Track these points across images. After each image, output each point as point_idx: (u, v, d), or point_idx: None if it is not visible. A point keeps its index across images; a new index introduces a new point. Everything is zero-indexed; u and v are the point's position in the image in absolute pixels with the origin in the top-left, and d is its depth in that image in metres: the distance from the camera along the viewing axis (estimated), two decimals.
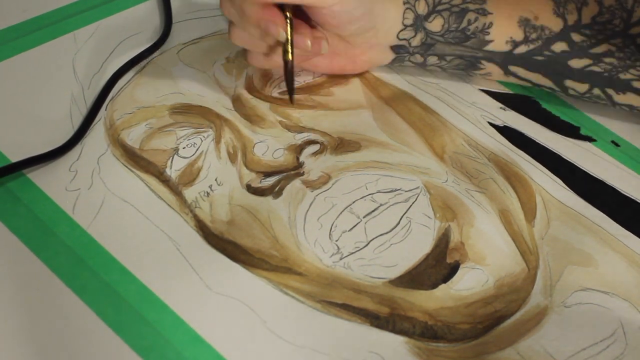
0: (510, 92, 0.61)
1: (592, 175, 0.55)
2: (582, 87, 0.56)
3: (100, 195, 0.50)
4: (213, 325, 0.44)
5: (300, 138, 0.55)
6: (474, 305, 0.47)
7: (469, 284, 0.48)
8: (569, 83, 0.56)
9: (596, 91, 0.56)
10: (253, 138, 0.54)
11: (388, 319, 0.46)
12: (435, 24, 0.55)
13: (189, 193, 0.51)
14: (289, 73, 0.53)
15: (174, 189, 0.51)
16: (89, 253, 0.47)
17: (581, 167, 0.56)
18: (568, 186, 0.54)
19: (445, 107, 0.58)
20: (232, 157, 0.53)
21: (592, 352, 0.45)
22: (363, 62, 0.58)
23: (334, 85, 0.59)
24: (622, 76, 0.54)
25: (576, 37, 0.54)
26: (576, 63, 0.55)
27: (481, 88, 0.61)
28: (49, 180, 0.50)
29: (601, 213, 0.53)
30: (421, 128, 0.57)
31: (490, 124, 0.58)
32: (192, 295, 0.46)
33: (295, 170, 0.53)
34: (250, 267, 0.47)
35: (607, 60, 0.54)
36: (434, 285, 0.48)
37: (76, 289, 0.45)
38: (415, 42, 0.56)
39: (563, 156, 0.56)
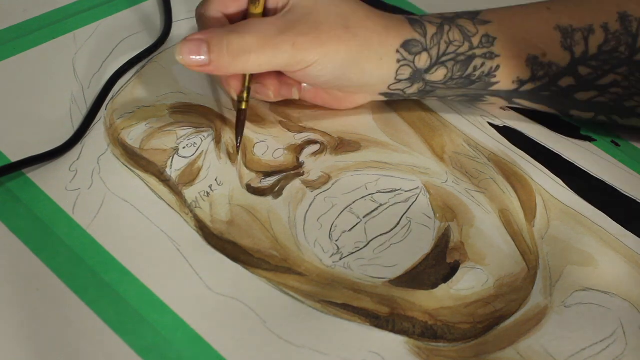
0: None
1: (592, 175, 0.55)
2: (587, 115, 0.56)
3: (100, 195, 0.50)
4: (213, 325, 0.44)
5: (300, 138, 0.55)
6: (474, 305, 0.47)
7: (469, 283, 0.48)
8: (574, 112, 0.56)
9: (601, 117, 0.56)
10: (253, 138, 0.54)
11: (388, 319, 0.46)
12: (438, 75, 0.53)
13: (189, 193, 0.51)
14: (240, 121, 0.52)
15: (174, 188, 0.51)
16: (89, 253, 0.47)
17: (581, 167, 0.56)
18: (568, 186, 0.54)
19: (445, 107, 0.58)
20: (232, 157, 0.53)
21: (592, 352, 0.45)
22: (348, 103, 0.56)
23: None
24: (626, 104, 0.54)
25: (583, 71, 0.53)
26: (582, 96, 0.54)
27: None
28: (49, 180, 0.50)
29: (601, 213, 0.53)
30: (421, 128, 0.57)
31: (490, 124, 0.58)
32: (192, 295, 0.46)
33: (295, 170, 0.53)
34: (250, 267, 0.47)
35: (613, 90, 0.54)
36: (434, 285, 0.48)
37: (76, 289, 0.45)
38: (411, 91, 0.54)
39: (563, 156, 0.56)
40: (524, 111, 0.59)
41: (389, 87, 0.53)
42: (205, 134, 0.54)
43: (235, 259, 0.48)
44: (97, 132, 0.53)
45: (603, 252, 0.50)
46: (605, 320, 0.47)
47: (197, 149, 0.53)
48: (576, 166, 0.56)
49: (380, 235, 0.50)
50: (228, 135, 0.54)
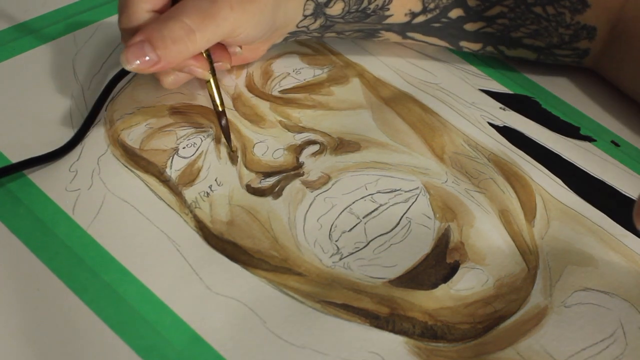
0: (510, 92, 0.61)
1: (592, 175, 0.55)
2: (476, 46, 0.59)
3: (100, 196, 0.50)
4: (213, 325, 0.44)
5: (300, 138, 0.55)
6: (474, 305, 0.47)
7: (468, 284, 0.48)
8: (463, 43, 0.59)
9: (489, 48, 0.59)
10: (253, 138, 0.54)
11: (388, 319, 0.46)
12: (336, 9, 0.55)
13: (189, 193, 0.51)
14: (224, 127, 0.53)
15: (174, 189, 0.51)
16: (89, 253, 0.47)
17: (581, 167, 0.56)
18: (568, 186, 0.54)
19: (445, 107, 0.58)
20: (232, 157, 0.53)
21: (592, 352, 0.45)
22: (262, 51, 0.57)
23: (334, 85, 0.59)
24: (513, 35, 0.57)
25: (471, 2, 0.56)
26: (471, 27, 0.57)
27: (481, 88, 0.61)
28: (49, 181, 0.50)
29: (601, 213, 0.53)
30: (421, 128, 0.57)
31: (490, 124, 0.58)
32: (192, 295, 0.46)
33: (295, 170, 0.53)
34: (250, 268, 0.47)
35: (500, 21, 0.57)
36: (434, 285, 0.48)
37: (76, 289, 0.45)
38: (314, 26, 0.56)
39: (563, 156, 0.56)
40: (524, 111, 0.59)
41: (297, 25, 0.55)
42: (205, 134, 0.54)
43: (235, 259, 0.48)
44: (97, 133, 0.53)
45: (603, 252, 0.50)
46: (605, 320, 0.47)
47: (197, 149, 0.53)
48: (576, 166, 0.56)
49: (380, 235, 0.50)
50: None
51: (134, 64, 0.47)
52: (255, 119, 0.56)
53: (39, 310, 0.44)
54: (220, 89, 0.53)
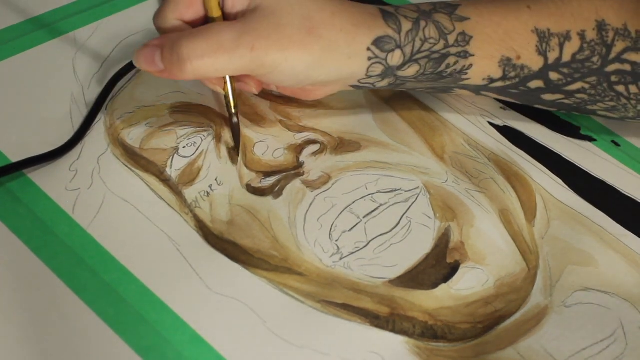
0: None
1: (592, 175, 0.55)
2: (550, 109, 0.57)
3: (100, 195, 0.50)
4: (213, 325, 0.44)
5: (300, 138, 0.55)
6: (474, 305, 0.47)
7: (469, 283, 0.48)
8: (538, 106, 0.56)
9: (562, 111, 0.57)
10: (253, 137, 0.54)
11: (388, 319, 0.46)
12: (410, 71, 0.51)
13: (189, 193, 0.51)
14: (234, 127, 0.53)
15: (174, 188, 0.51)
16: (89, 253, 0.47)
17: (581, 167, 0.56)
18: (568, 186, 0.54)
19: (445, 107, 0.58)
20: (232, 157, 0.53)
21: (592, 352, 0.45)
22: (316, 95, 0.55)
23: None
24: (589, 107, 0.55)
25: (553, 76, 0.53)
26: (548, 97, 0.54)
27: None
28: (49, 180, 0.50)
29: (601, 213, 0.53)
30: (421, 128, 0.57)
31: (490, 123, 0.58)
32: (192, 295, 0.46)
33: (295, 170, 0.53)
34: (250, 267, 0.47)
35: (579, 96, 0.54)
36: (434, 285, 0.48)
37: (76, 289, 0.45)
38: (382, 84, 0.52)
39: (563, 156, 0.56)
40: (524, 111, 0.59)
41: (359, 81, 0.52)
42: (205, 134, 0.54)
43: (235, 259, 0.48)
44: (97, 132, 0.53)
45: (603, 252, 0.50)
46: (605, 320, 0.47)
47: (197, 149, 0.53)
48: (576, 166, 0.56)
49: (380, 235, 0.50)
50: (228, 135, 0.54)
51: (143, 65, 0.48)
52: (256, 118, 0.56)
53: (39, 310, 0.44)
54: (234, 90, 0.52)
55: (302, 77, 0.49)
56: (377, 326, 0.45)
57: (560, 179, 0.54)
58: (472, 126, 0.57)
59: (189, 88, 0.57)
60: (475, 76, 0.53)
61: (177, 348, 0.43)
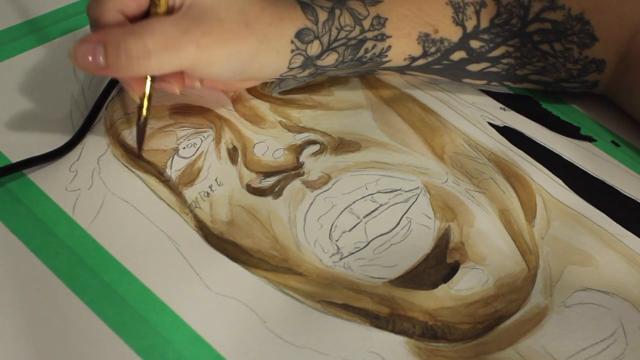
0: (510, 92, 0.61)
1: (592, 175, 0.55)
2: (480, 82, 0.57)
3: (101, 195, 0.50)
4: (213, 325, 0.44)
5: (300, 138, 0.55)
6: (474, 305, 0.47)
7: (469, 284, 0.48)
8: (466, 80, 0.57)
9: (493, 84, 0.57)
10: (253, 138, 0.54)
11: (388, 319, 0.46)
12: (329, 60, 0.52)
13: (189, 193, 0.51)
14: (140, 128, 0.50)
15: (174, 189, 0.51)
16: (89, 253, 0.47)
17: (581, 167, 0.56)
18: (568, 186, 0.54)
19: (445, 107, 0.58)
20: (232, 157, 0.53)
21: (592, 352, 0.45)
22: (236, 89, 0.56)
23: (334, 85, 0.59)
24: (518, 72, 0.55)
25: (475, 44, 0.53)
26: (474, 67, 0.55)
27: (481, 88, 0.61)
28: (49, 181, 0.50)
29: (601, 213, 0.53)
30: (421, 128, 0.57)
31: (490, 124, 0.58)
32: (192, 295, 0.46)
33: (295, 170, 0.53)
34: (250, 267, 0.47)
35: (505, 60, 0.54)
36: (434, 285, 0.48)
37: (76, 289, 0.45)
38: (303, 74, 0.53)
39: (563, 156, 0.56)
40: (524, 111, 0.59)
41: (280, 75, 0.52)
42: (205, 135, 0.54)
43: (235, 259, 0.48)
44: (97, 133, 0.53)
45: (603, 252, 0.50)
46: (605, 320, 0.47)
47: (197, 150, 0.53)
48: (576, 166, 0.56)
49: (380, 235, 0.50)
50: (228, 136, 0.54)
51: (81, 61, 0.45)
52: (255, 119, 0.56)
53: (39, 310, 0.44)
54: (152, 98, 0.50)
55: (238, 71, 0.49)
56: (377, 326, 0.45)
57: (560, 179, 0.55)
58: (472, 126, 0.57)
59: (189, 89, 0.57)
60: (396, 57, 0.53)
61: (177, 348, 0.43)
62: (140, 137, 0.51)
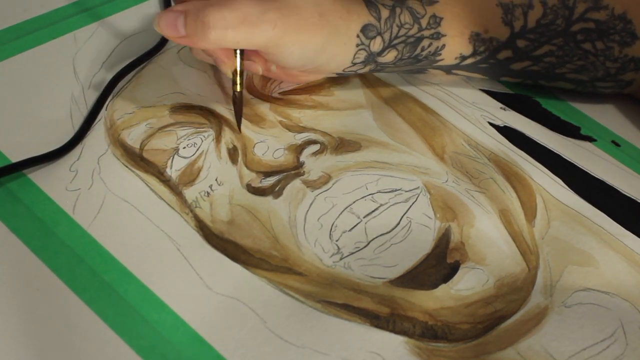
0: (511, 92, 0.61)
1: (592, 175, 0.55)
2: (516, 80, 0.59)
3: (101, 195, 0.50)
4: (213, 325, 0.44)
5: (300, 138, 0.55)
6: (474, 305, 0.47)
7: (469, 284, 0.48)
8: (504, 78, 0.59)
9: (528, 82, 0.59)
10: (253, 138, 0.54)
11: (388, 319, 0.46)
12: (389, 57, 0.54)
13: (189, 193, 0.51)
14: (237, 103, 0.54)
15: (174, 188, 0.51)
16: (89, 253, 0.47)
17: (581, 167, 0.56)
18: (568, 186, 0.54)
19: (445, 107, 0.58)
20: (232, 157, 0.53)
21: (592, 352, 0.45)
22: (300, 80, 0.58)
23: (334, 85, 0.59)
24: (557, 71, 0.57)
25: (521, 44, 0.55)
26: (517, 66, 0.57)
27: (481, 88, 0.61)
28: (49, 181, 0.50)
29: (601, 213, 0.53)
30: (421, 128, 0.57)
31: (491, 124, 0.58)
32: (192, 295, 0.46)
33: (295, 170, 0.53)
34: (251, 267, 0.47)
35: (547, 59, 0.56)
36: (434, 285, 0.48)
37: (76, 289, 0.45)
38: (363, 70, 0.55)
39: (563, 156, 0.56)
40: (524, 111, 0.59)
41: (344, 70, 0.54)
42: (206, 134, 0.54)
43: (235, 258, 0.48)
44: (98, 133, 0.53)
45: (603, 252, 0.50)
46: (606, 320, 0.47)
47: (197, 149, 0.53)
48: (576, 166, 0.56)
49: (381, 235, 0.50)
50: (228, 136, 0.54)
51: (164, 28, 0.49)
52: (256, 119, 0.56)
53: (39, 310, 0.44)
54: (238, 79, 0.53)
55: (308, 60, 0.52)
56: (377, 326, 0.45)
57: (560, 179, 0.54)
58: (472, 126, 0.57)
59: (189, 89, 0.57)
60: (448, 56, 0.55)
61: (177, 348, 0.43)
62: (239, 112, 0.54)
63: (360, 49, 0.53)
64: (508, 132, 0.57)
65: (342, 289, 0.47)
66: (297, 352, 0.44)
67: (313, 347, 0.44)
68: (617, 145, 0.58)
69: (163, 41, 0.60)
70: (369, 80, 0.60)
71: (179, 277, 0.46)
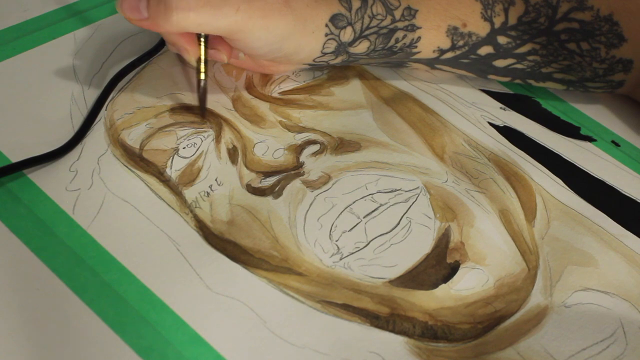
0: (511, 92, 0.61)
1: (592, 175, 0.55)
2: (504, 79, 0.59)
3: (101, 195, 0.50)
4: (213, 325, 0.44)
5: (300, 138, 0.55)
6: (474, 305, 0.47)
7: (469, 284, 0.48)
8: (491, 77, 0.58)
9: (517, 80, 0.59)
10: (253, 138, 0.54)
11: (388, 319, 0.46)
12: (361, 47, 0.54)
13: (189, 193, 0.51)
14: (201, 91, 0.54)
15: (174, 189, 0.51)
16: (89, 253, 0.47)
17: (581, 167, 0.56)
18: (568, 186, 0.54)
19: (445, 107, 0.58)
20: (232, 157, 0.53)
21: (592, 352, 0.45)
22: (272, 71, 0.58)
23: (334, 85, 0.59)
24: (543, 70, 0.57)
25: (502, 40, 0.55)
26: (500, 63, 0.56)
27: (481, 88, 0.61)
28: (49, 181, 0.50)
29: (601, 213, 0.53)
30: (421, 128, 0.57)
31: (490, 124, 0.58)
32: (192, 295, 0.46)
33: (295, 170, 0.53)
34: (251, 267, 0.47)
35: (531, 58, 0.56)
36: (434, 285, 0.48)
37: (76, 289, 0.45)
38: (335, 61, 0.55)
39: (563, 156, 0.56)
40: (524, 111, 0.59)
41: (314, 60, 0.54)
42: (205, 134, 0.54)
43: (235, 259, 0.48)
44: (97, 133, 0.53)
45: (603, 252, 0.50)
46: (606, 320, 0.47)
47: (197, 149, 0.53)
48: (576, 166, 0.56)
49: (381, 235, 0.50)
50: (228, 136, 0.54)
51: (125, 11, 0.49)
52: (256, 119, 0.56)
53: (39, 310, 0.44)
54: (207, 69, 0.53)
55: (275, 47, 0.52)
56: (377, 326, 0.45)
57: (560, 179, 0.55)
58: (472, 126, 0.57)
59: (189, 89, 0.57)
60: (425, 48, 0.55)
61: (177, 348, 0.43)
62: (202, 100, 0.54)
63: (329, 39, 0.53)
64: (508, 132, 0.57)
65: (342, 289, 0.47)
66: (297, 352, 0.44)
67: (313, 347, 0.44)
68: (617, 145, 0.58)
69: (163, 41, 0.60)
70: (368, 81, 0.60)
71: (179, 277, 0.46)
